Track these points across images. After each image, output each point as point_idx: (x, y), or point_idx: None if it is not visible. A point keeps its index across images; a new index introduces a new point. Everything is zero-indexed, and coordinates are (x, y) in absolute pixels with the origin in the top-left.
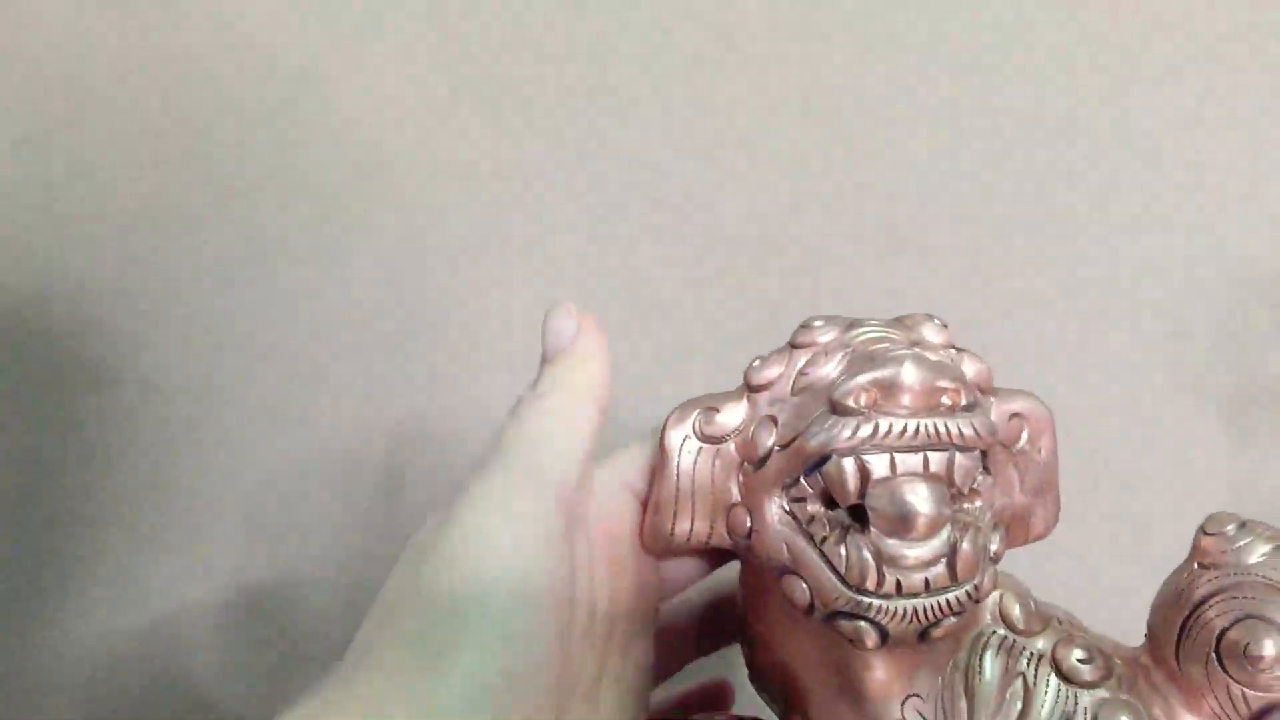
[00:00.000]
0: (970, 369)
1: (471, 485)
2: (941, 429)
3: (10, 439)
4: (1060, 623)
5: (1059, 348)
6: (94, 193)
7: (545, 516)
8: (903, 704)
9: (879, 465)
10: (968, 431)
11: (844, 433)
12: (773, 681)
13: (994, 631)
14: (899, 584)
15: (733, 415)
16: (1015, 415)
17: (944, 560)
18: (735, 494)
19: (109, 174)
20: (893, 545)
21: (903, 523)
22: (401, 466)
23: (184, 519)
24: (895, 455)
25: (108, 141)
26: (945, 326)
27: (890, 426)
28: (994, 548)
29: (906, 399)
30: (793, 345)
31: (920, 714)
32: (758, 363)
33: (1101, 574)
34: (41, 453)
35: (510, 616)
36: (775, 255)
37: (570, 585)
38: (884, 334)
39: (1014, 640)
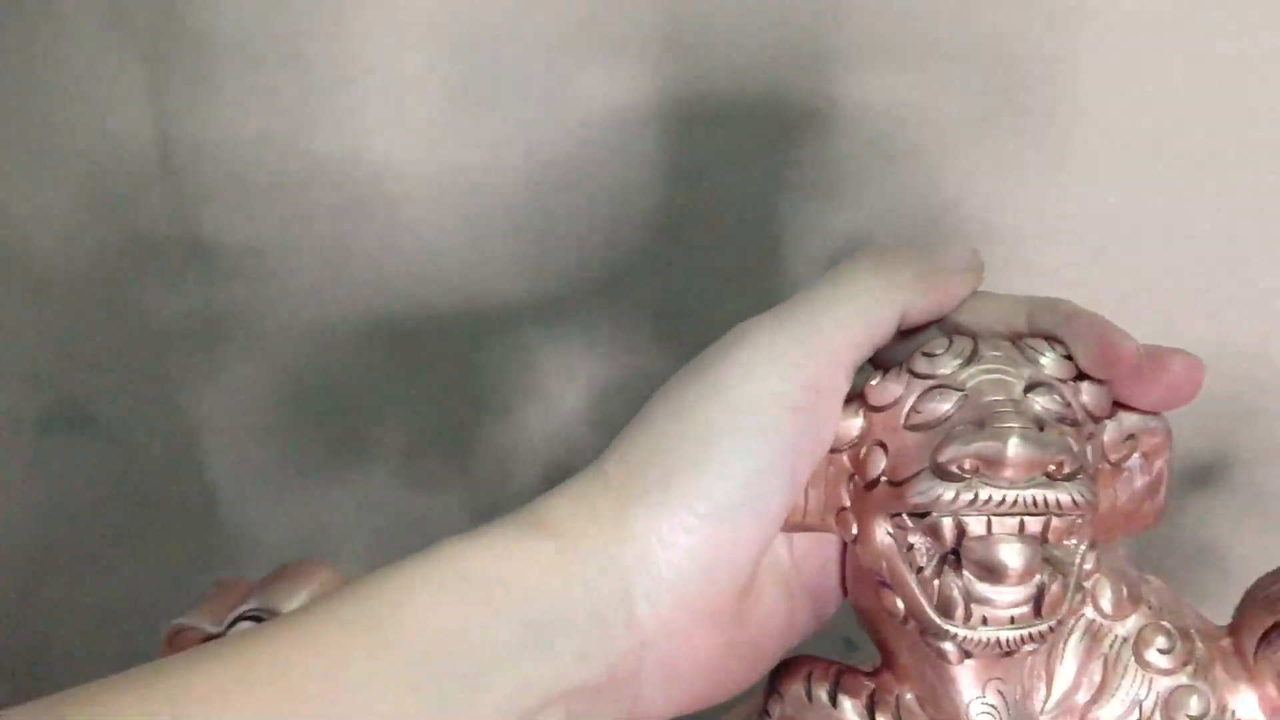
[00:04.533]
0: (1088, 395)
1: (753, 325)
2: (1039, 499)
3: None
4: (1150, 606)
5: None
6: None
7: (809, 376)
8: (985, 684)
9: (976, 525)
10: (1065, 500)
11: (946, 495)
12: (868, 632)
13: (1082, 615)
14: (985, 618)
15: (849, 428)
16: (1130, 437)
17: (1030, 602)
18: (845, 499)
19: None
20: (982, 588)
21: (994, 575)
22: None
23: None
24: (992, 518)
25: None
26: (1069, 358)
27: (990, 496)
28: (1088, 567)
29: (1009, 472)
30: (911, 372)
31: (1000, 693)
32: (876, 381)
33: None
34: None
35: (754, 454)
36: None
37: (807, 453)
38: (1000, 375)
39: (1100, 624)
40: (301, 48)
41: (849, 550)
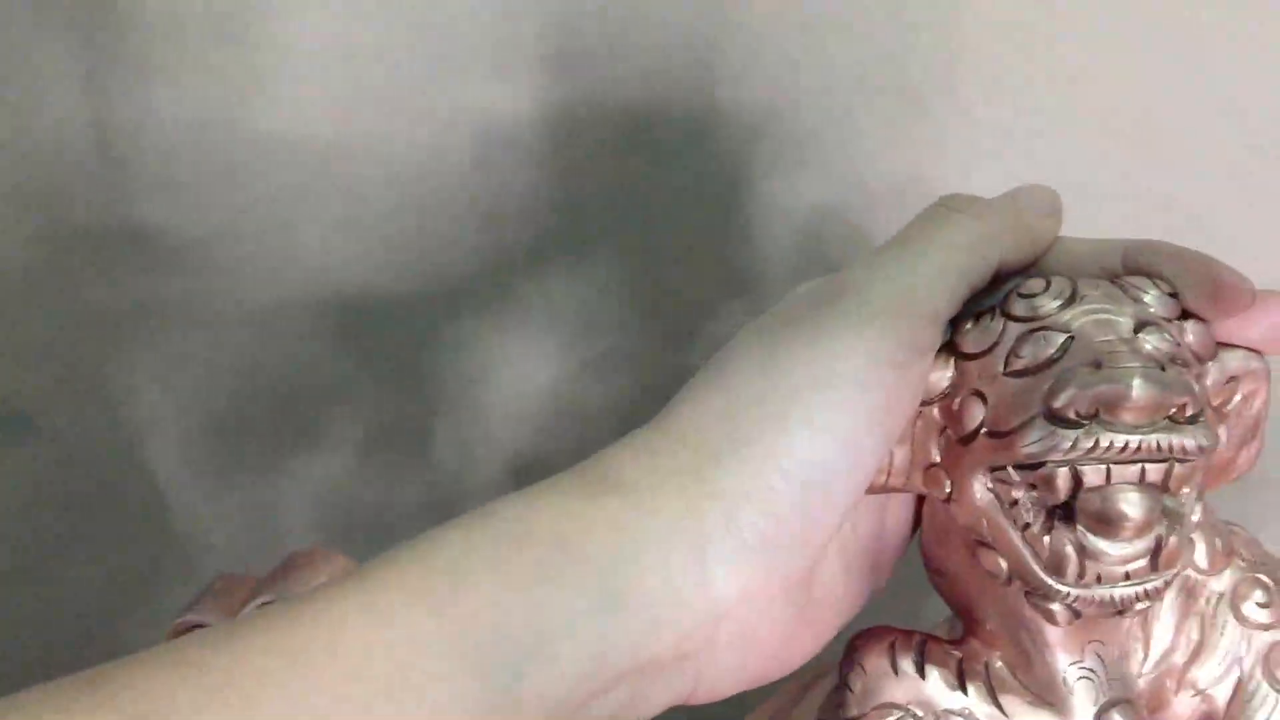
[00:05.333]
0: (1193, 334)
1: (847, 280)
2: (1164, 444)
3: None
4: (1243, 560)
5: None
6: None
7: (907, 331)
8: (1084, 647)
9: (1093, 475)
10: (1190, 445)
11: (1063, 444)
12: (949, 598)
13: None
14: (1099, 576)
15: (939, 379)
16: (1232, 379)
17: (1148, 555)
18: (935, 455)
19: None
20: (1097, 542)
21: (1112, 527)
22: None
23: None
24: (1112, 466)
25: None
26: (1173, 295)
27: (1111, 443)
28: (1196, 518)
29: (1129, 416)
30: (1007, 315)
31: (1099, 656)
32: (969, 325)
33: None
34: None
35: (849, 411)
36: None
37: (901, 410)
38: (1106, 315)
39: (1196, 580)
40: (243, 25)
41: (931, 510)
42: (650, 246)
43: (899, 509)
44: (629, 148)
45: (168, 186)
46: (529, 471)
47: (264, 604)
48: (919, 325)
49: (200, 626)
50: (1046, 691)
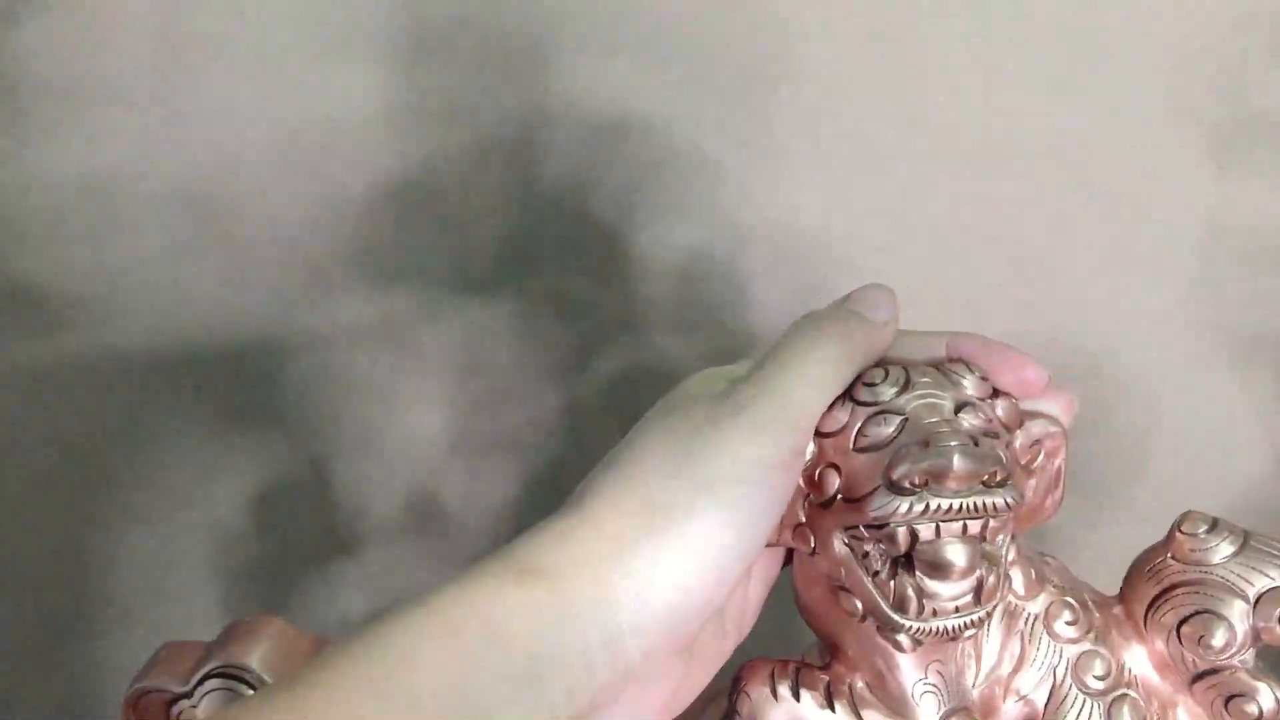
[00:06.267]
0: (1001, 409)
1: (742, 396)
2: (980, 504)
3: None
4: (1054, 585)
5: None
6: None
7: (795, 439)
8: (927, 666)
9: (926, 532)
10: (1001, 503)
11: (901, 508)
12: (816, 630)
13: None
14: (935, 611)
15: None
16: (1036, 441)
17: (972, 592)
18: (801, 516)
19: None
20: (932, 585)
21: (943, 572)
22: None
23: None
24: (940, 524)
25: None
26: (985, 378)
27: (939, 505)
28: (1011, 557)
29: (953, 484)
30: (854, 400)
31: (940, 673)
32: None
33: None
34: None
35: (752, 506)
36: None
37: (788, 498)
38: (933, 399)
39: (1015, 604)
40: (129, 85)
41: (799, 560)
42: (536, 290)
43: (760, 570)
44: (517, 196)
45: (51, 246)
46: (426, 510)
47: (214, 669)
48: (800, 432)
49: (155, 692)
50: (899, 705)
